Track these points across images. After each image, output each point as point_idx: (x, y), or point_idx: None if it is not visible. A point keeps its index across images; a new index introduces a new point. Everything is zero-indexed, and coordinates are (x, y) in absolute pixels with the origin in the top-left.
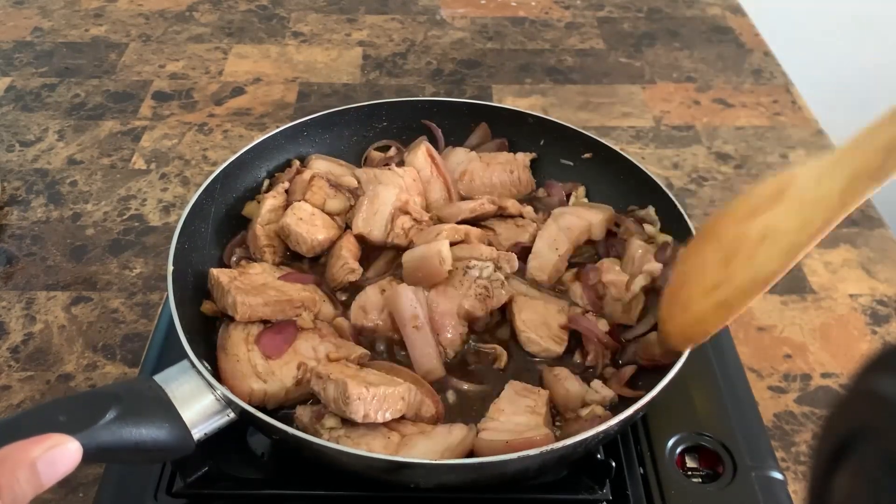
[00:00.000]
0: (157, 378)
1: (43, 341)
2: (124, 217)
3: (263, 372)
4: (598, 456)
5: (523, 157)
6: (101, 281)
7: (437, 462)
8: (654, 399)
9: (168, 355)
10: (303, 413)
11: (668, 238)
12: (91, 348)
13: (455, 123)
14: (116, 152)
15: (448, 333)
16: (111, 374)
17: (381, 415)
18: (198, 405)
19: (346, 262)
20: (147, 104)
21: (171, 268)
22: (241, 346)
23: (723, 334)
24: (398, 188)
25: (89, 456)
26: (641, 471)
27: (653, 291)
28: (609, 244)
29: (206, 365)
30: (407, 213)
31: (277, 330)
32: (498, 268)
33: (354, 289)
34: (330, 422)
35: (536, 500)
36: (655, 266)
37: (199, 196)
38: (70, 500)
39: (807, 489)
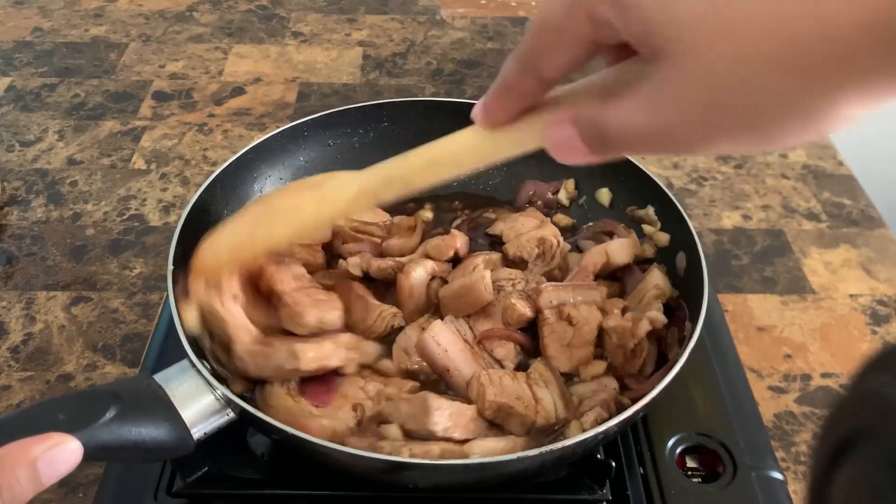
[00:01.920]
0: (157, 377)
1: (43, 341)
2: (124, 217)
3: (322, 414)
4: (598, 456)
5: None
6: (101, 281)
7: (436, 462)
8: (654, 399)
9: (168, 355)
10: (357, 442)
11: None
12: (91, 348)
13: (456, 124)
14: (116, 152)
15: (501, 347)
16: (111, 375)
17: (459, 431)
18: (197, 404)
19: (384, 308)
20: (147, 104)
21: (171, 267)
22: (287, 399)
23: (723, 334)
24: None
25: (89, 455)
26: (641, 471)
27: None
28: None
29: (206, 364)
30: (435, 277)
31: (320, 380)
32: (527, 282)
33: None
34: (392, 431)
35: (536, 500)
36: (659, 318)
37: (200, 195)
38: (70, 500)
39: (807, 489)
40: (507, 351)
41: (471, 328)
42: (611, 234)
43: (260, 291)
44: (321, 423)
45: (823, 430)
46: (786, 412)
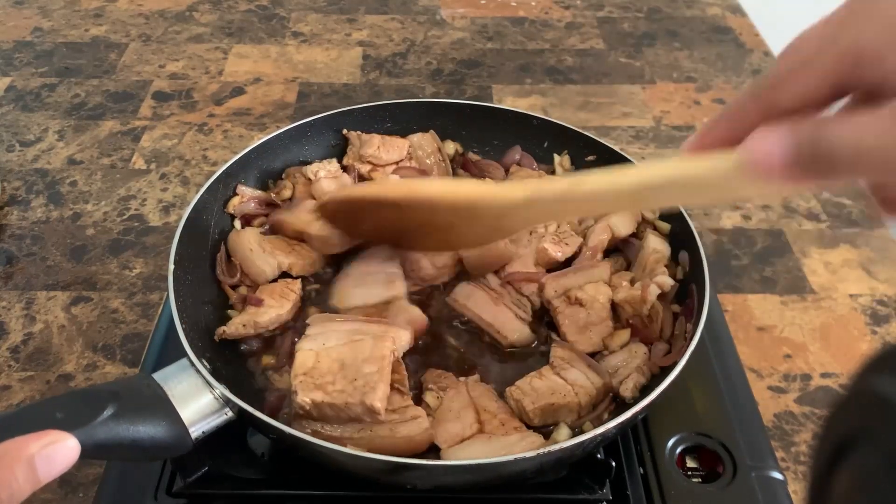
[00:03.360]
0: (156, 376)
1: (43, 341)
2: (124, 217)
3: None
4: (598, 456)
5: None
6: (101, 281)
7: (435, 463)
8: (654, 401)
9: (168, 355)
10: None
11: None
12: (91, 348)
13: (457, 124)
14: (116, 152)
15: (528, 285)
16: (111, 374)
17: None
18: (196, 404)
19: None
20: (147, 104)
21: (172, 267)
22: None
23: (723, 334)
24: None
25: (86, 453)
26: (641, 471)
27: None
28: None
29: (206, 364)
30: None
31: None
32: (558, 225)
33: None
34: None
35: (536, 500)
36: (666, 281)
37: (202, 195)
38: (70, 500)
39: (807, 489)
40: (533, 287)
41: (495, 273)
42: None
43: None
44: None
45: (824, 429)
46: (786, 412)
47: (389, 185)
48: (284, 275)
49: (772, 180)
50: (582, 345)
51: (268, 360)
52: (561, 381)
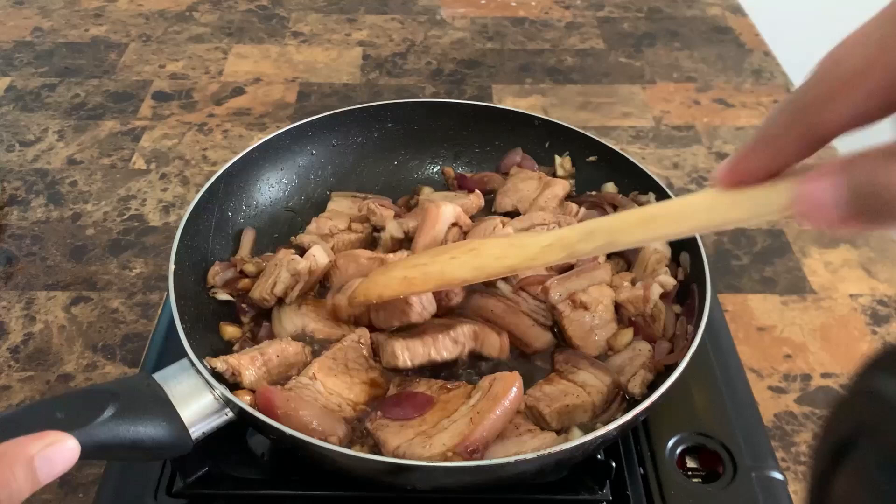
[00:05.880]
0: (156, 376)
1: (43, 341)
2: (124, 217)
3: None
4: (599, 456)
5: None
6: (101, 281)
7: (435, 464)
8: (654, 402)
9: (168, 355)
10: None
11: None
12: (91, 348)
13: (457, 124)
14: (116, 152)
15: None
16: (111, 375)
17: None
18: (196, 404)
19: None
20: (147, 104)
21: (172, 266)
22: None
23: (723, 334)
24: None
25: (86, 453)
26: (641, 471)
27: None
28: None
29: (206, 364)
30: (457, 224)
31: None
32: (560, 225)
33: None
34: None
35: (536, 500)
36: (669, 280)
37: (203, 195)
38: (69, 500)
39: (807, 489)
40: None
41: (511, 284)
42: (615, 207)
43: None
44: None
45: (824, 429)
46: (786, 412)
47: (418, 281)
48: None
49: (826, 225)
50: (589, 349)
51: None
52: (571, 384)
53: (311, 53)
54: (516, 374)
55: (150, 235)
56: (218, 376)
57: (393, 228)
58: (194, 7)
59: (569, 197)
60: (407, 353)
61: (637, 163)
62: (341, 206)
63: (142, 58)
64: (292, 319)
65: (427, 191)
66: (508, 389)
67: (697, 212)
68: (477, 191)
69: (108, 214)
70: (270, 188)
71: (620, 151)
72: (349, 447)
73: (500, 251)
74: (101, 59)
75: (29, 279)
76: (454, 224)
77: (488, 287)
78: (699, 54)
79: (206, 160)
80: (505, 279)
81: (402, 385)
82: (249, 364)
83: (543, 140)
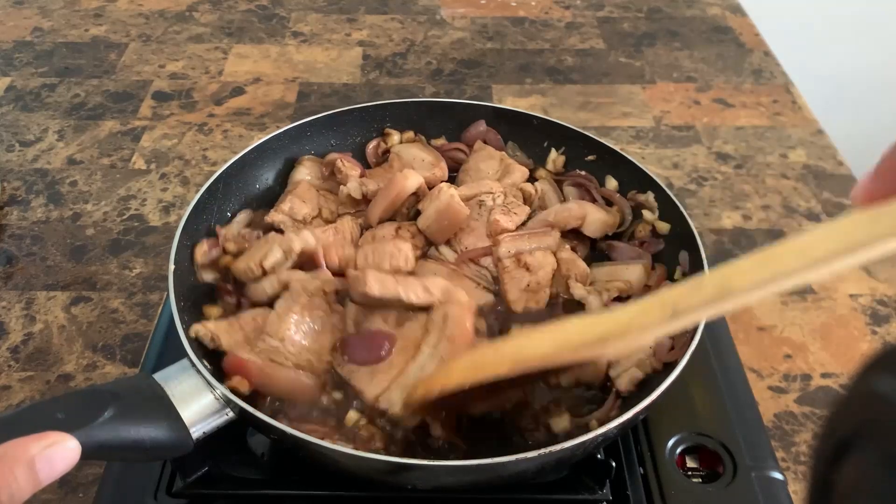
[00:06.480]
0: (157, 376)
1: (43, 341)
2: (124, 217)
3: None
4: (599, 456)
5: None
6: (101, 281)
7: (435, 463)
8: (654, 401)
9: (168, 355)
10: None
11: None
12: (91, 348)
13: (457, 124)
14: (116, 152)
15: (487, 259)
16: (111, 375)
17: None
18: (197, 404)
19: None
20: (147, 104)
21: (172, 267)
22: None
23: (723, 334)
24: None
25: (87, 454)
26: (641, 471)
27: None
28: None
29: (206, 364)
30: (416, 194)
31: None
32: (505, 195)
33: None
34: None
35: (536, 500)
36: (638, 375)
37: (202, 195)
38: (69, 500)
39: (807, 489)
40: (489, 260)
41: (455, 250)
42: (608, 202)
43: None
44: None
45: (824, 429)
46: (786, 412)
47: (490, 361)
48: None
49: None
50: (517, 305)
51: None
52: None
53: (311, 53)
54: (466, 306)
55: (149, 235)
56: (218, 376)
57: (353, 188)
58: (194, 7)
59: (555, 174)
60: (378, 284)
61: (637, 162)
62: (305, 175)
63: (142, 58)
64: (270, 281)
65: (396, 138)
66: (464, 329)
67: (831, 235)
68: (442, 163)
69: (107, 214)
70: (270, 188)
71: (619, 151)
72: (329, 395)
73: (580, 327)
74: (101, 59)
75: (29, 279)
76: (413, 193)
77: (436, 244)
78: (699, 54)
79: (206, 160)
80: (449, 245)
81: (359, 321)
82: (227, 328)
83: (542, 139)
